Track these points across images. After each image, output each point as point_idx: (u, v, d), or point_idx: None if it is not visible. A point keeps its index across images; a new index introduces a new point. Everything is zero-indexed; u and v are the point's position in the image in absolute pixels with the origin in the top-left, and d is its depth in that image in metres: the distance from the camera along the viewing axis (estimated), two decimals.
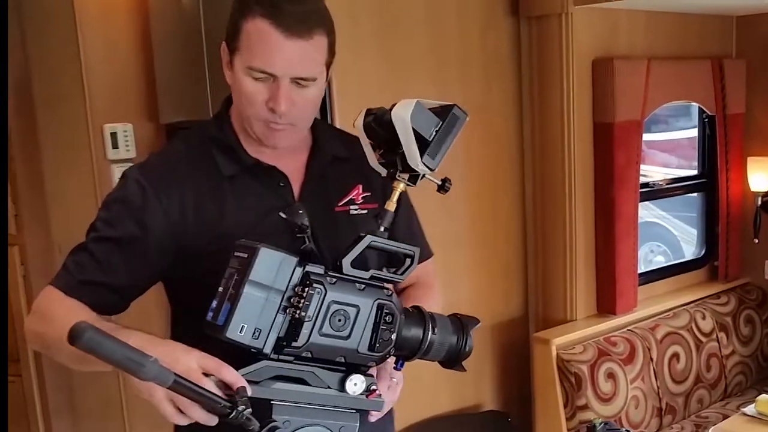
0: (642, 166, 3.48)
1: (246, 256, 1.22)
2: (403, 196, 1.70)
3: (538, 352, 3.25)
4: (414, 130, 1.29)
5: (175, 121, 2.96)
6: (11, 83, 3.01)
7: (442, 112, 1.34)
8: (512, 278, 3.50)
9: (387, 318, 1.29)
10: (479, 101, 3.25)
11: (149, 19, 3.01)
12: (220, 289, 1.24)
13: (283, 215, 1.45)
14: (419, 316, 1.38)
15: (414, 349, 1.36)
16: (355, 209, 1.58)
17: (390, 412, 1.73)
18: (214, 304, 1.23)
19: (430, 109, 1.33)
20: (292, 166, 1.54)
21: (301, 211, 1.47)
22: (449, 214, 3.15)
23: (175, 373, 1.11)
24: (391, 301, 1.30)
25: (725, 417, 3.37)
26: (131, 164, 2.93)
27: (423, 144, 1.30)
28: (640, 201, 3.50)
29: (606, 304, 3.44)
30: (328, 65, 1.47)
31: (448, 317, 1.42)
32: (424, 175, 1.34)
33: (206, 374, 1.20)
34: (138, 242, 1.46)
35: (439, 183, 1.39)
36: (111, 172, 3.00)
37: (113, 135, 2.98)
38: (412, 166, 1.31)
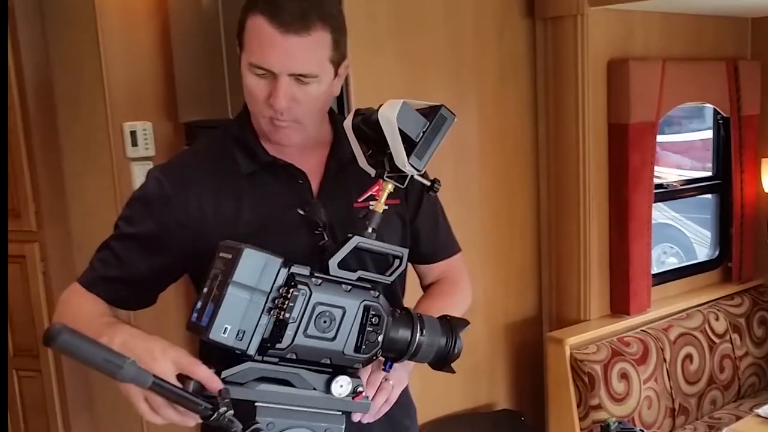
0: (655, 168, 3.49)
1: (230, 256, 1.22)
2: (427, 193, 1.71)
3: (551, 352, 3.26)
4: (400, 130, 1.29)
5: (194, 119, 2.98)
6: (32, 82, 3.05)
7: (430, 113, 1.33)
8: (526, 278, 3.52)
9: (373, 320, 1.29)
10: (494, 101, 3.27)
11: (169, 19, 3.03)
12: (205, 289, 1.24)
13: (301, 212, 1.47)
14: (407, 317, 1.37)
15: (402, 351, 1.36)
16: None
17: (410, 411, 1.74)
18: (199, 304, 1.23)
19: (418, 109, 1.33)
20: (312, 162, 1.55)
21: (319, 208, 1.49)
22: (464, 213, 3.16)
23: (154, 375, 1.11)
24: (378, 303, 1.30)
25: (738, 418, 3.37)
26: (150, 162, 3.00)
27: (410, 145, 1.30)
28: (654, 202, 3.50)
29: (619, 305, 3.45)
30: (336, 62, 1.46)
31: (437, 319, 1.42)
32: (412, 176, 1.34)
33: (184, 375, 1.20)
34: (156, 239, 1.48)
35: (428, 184, 1.38)
36: (130, 170, 3.01)
37: (133, 133, 3.00)
38: (400, 167, 1.31)
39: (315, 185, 1.55)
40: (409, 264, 1.74)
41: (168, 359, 1.20)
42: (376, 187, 1.56)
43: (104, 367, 1.06)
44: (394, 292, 1.64)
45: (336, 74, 1.48)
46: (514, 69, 3.32)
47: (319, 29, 1.40)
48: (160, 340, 1.26)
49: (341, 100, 2.67)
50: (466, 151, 3.20)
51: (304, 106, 1.44)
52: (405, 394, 1.70)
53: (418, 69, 2.99)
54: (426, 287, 1.77)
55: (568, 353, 3.17)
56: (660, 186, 3.74)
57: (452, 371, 1.44)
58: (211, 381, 1.20)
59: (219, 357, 1.25)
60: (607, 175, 3.37)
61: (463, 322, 1.45)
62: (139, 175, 2.99)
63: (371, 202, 1.56)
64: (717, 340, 3.64)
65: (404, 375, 1.50)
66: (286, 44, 1.38)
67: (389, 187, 1.35)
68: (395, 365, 1.42)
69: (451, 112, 1.34)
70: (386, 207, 1.58)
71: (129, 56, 3.01)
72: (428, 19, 3.01)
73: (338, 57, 1.46)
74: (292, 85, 1.41)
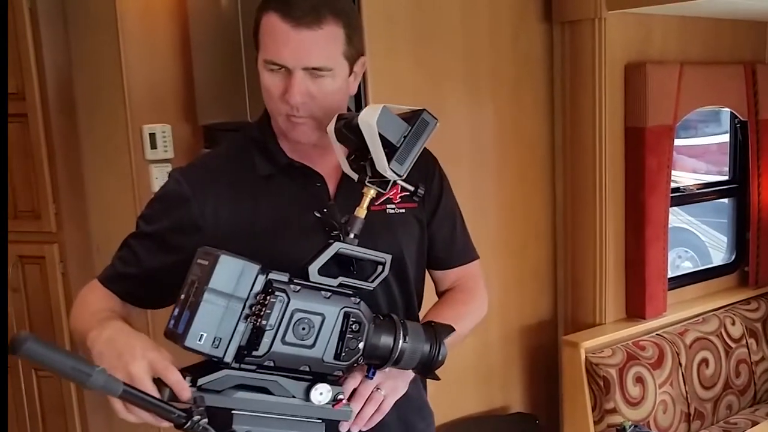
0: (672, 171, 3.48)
1: (207, 263, 1.21)
2: (445, 197, 1.70)
3: (566, 355, 3.26)
4: (381, 135, 1.28)
5: (213, 122, 3.00)
6: (54, 83, 3.09)
7: (412, 118, 1.33)
8: (542, 281, 3.52)
9: (354, 326, 1.28)
10: (511, 105, 3.27)
11: (188, 22, 3.06)
12: (182, 296, 1.23)
13: (318, 214, 1.48)
14: (390, 323, 1.36)
15: (385, 358, 1.35)
16: (392, 208, 1.58)
17: (425, 415, 1.73)
18: (176, 311, 1.22)
19: (400, 114, 1.33)
20: (330, 165, 1.55)
21: (336, 211, 1.50)
22: (480, 216, 3.17)
23: (125, 384, 1.11)
24: (359, 309, 1.29)
25: (754, 423, 3.37)
26: (169, 165, 3.03)
27: (392, 149, 1.30)
28: (671, 206, 3.49)
29: (635, 308, 3.44)
30: (350, 58, 1.47)
31: (421, 325, 1.41)
32: (395, 182, 1.33)
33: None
34: (172, 238, 1.50)
35: (411, 189, 1.38)
36: (149, 172, 3.04)
37: (152, 136, 3.03)
38: (381, 172, 1.31)
39: (332, 188, 1.56)
40: (426, 269, 1.74)
41: (146, 360, 1.20)
42: (393, 190, 1.56)
43: (72, 375, 1.05)
44: (409, 298, 1.64)
45: (351, 71, 1.50)
46: (530, 72, 3.32)
47: (331, 23, 1.41)
48: (144, 339, 1.26)
49: (359, 103, 2.68)
50: (483, 155, 3.21)
51: (320, 102, 1.45)
52: (420, 398, 1.70)
53: (435, 72, 3.00)
54: (441, 294, 1.76)
55: (583, 357, 3.17)
56: (676, 190, 3.73)
57: (437, 378, 1.44)
58: (180, 388, 1.19)
59: None
60: (623, 179, 3.37)
61: (447, 329, 1.44)
62: (157, 177, 3.02)
63: (388, 205, 1.58)
64: (733, 345, 3.62)
65: (400, 383, 1.48)
66: (299, 38, 1.40)
67: (371, 192, 1.34)
68: (389, 373, 1.41)
69: (433, 116, 1.34)
70: (403, 210, 1.60)
71: (149, 59, 3.04)
72: (445, 23, 3.01)
73: (353, 53, 1.48)
74: (306, 79, 1.42)
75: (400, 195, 1.56)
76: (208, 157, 1.70)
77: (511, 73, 3.26)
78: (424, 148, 1.68)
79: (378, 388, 1.42)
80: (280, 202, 1.52)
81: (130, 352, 1.20)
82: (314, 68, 1.42)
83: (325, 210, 1.47)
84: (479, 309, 1.75)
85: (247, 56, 2.73)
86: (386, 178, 1.32)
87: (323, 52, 1.42)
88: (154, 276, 1.51)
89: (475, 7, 3.10)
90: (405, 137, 1.31)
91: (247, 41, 2.73)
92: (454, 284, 1.75)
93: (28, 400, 3.43)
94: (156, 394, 1.17)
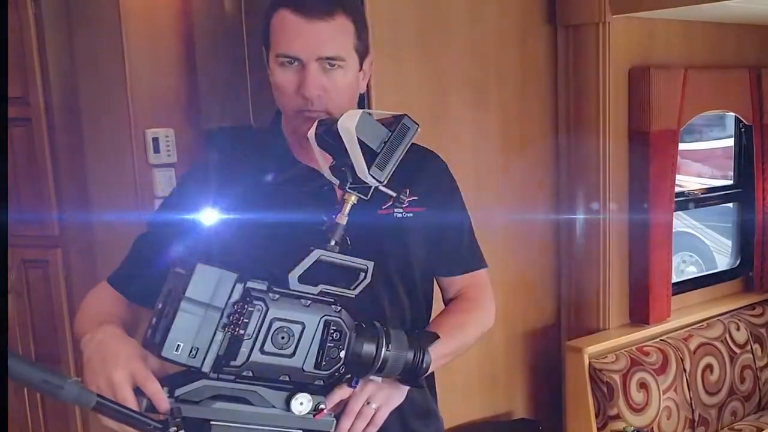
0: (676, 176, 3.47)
1: (183, 272, 1.20)
2: (454, 202, 1.69)
3: (570, 361, 3.24)
4: (361, 141, 1.28)
5: (217, 126, 3.01)
6: (58, 88, 3.09)
7: (392, 123, 1.32)
8: (545, 286, 3.50)
9: (334, 335, 1.26)
10: (516, 108, 3.26)
11: (193, 26, 3.06)
12: (159, 305, 1.22)
13: (325, 218, 1.48)
14: (372, 331, 1.35)
15: (368, 366, 1.34)
16: (400, 212, 1.57)
17: (431, 421, 1.70)
18: (153, 321, 1.21)
19: (381, 119, 1.33)
20: None
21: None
22: (483, 220, 3.15)
23: (99, 395, 1.10)
24: (340, 318, 1.28)
25: (759, 430, 3.35)
26: (172, 169, 3.03)
27: (372, 155, 1.29)
28: (675, 210, 3.48)
29: (639, 314, 3.42)
30: (360, 53, 1.49)
31: (405, 332, 1.40)
32: (376, 187, 1.32)
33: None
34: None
35: (394, 195, 1.37)
36: (152, 176, 3.04)
37: (155, 140, 3.03)
38: (362, 178, 1.30)
39: (339, 191, 1.56)
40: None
41: (128, 368, 1.19)
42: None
43: (43, 388, 1.04)
44: (416, 302, 1.63)
45: (361, 67, 1.51)
46: (535, 76, 3.31)
47: (342, 16, 1.44)
48: (131, 347, 1.25)
49: (362, 105, 2.67)
50: (487, 157, 3.19)
51: (333, 96, 1.45)
52: (425, 404, 1.68)
53: (439, 75, 2.99)
54: (447, 302, 1.74)
55: (586, 362, 3.15)
56: (681, 194, 3.73)
57: (421, 386, 1.43)
58: (157, 399, 1.18)
59: None
60: (627, 183, 3.36)
61: (432, 336, 1.43)
62: (161, 182, 3.02)
63: (396, 209, 1.56)
64: (738, 351, 3.61)
65: (395, 392, 1.46)
66: (312, 30, 1.41)
67: (353, 198, 1.33)
68: (382, 383, 1.40)
69: (414, 121, 1.33)
70: (411, 215, 1.59)
71: (152, 63, 3.05)
72: (451, 26, 3.00)
73: (362, 48, 1.49)
74: (320, 72, 1.43)
75: (408, 199, 1.55)
76: (217, 161, 1.70)
77: (517, 77, 3.25)
78: (435, 152, 1.69)
79: (369, 402, 1.41)
80: (287, 204, 1.51)
81: (113, 359, 1.20)
82: (327, 58, 1.43)
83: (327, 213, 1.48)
84: (483, 319, 1.72)
85: (251, 61, 2.73)
86: (367, 184, 1.31)
87: (336, 41, 1.44)
88: (160, 276, 1.51)
89: (481, 11, 3.09)
90: (385, 143, 1.30)
91: (251, 46, 2.73)
92: (460, 293, 1.73)
93: (30, 406, 3.43)
94: (134, 404, 1.17)
